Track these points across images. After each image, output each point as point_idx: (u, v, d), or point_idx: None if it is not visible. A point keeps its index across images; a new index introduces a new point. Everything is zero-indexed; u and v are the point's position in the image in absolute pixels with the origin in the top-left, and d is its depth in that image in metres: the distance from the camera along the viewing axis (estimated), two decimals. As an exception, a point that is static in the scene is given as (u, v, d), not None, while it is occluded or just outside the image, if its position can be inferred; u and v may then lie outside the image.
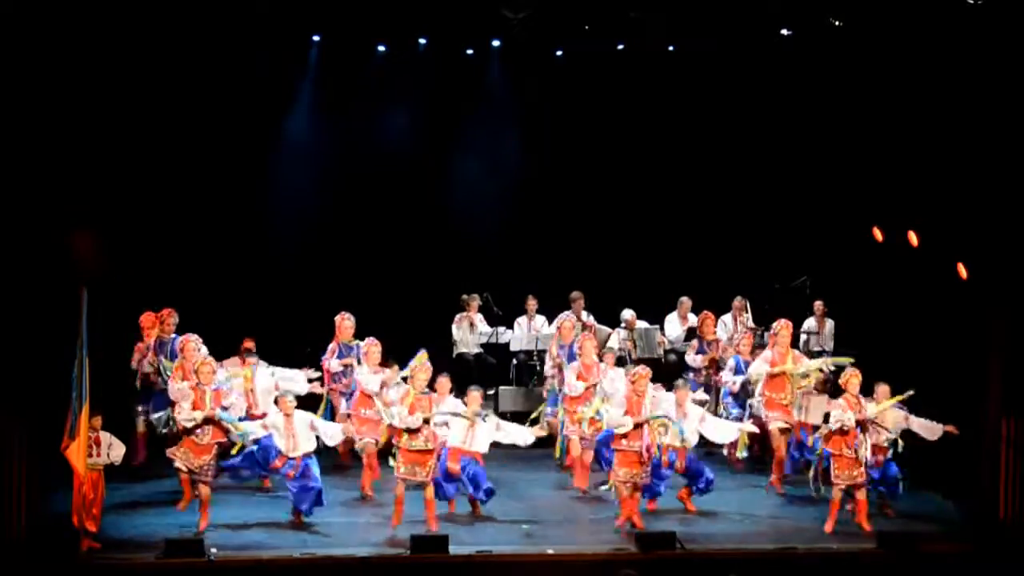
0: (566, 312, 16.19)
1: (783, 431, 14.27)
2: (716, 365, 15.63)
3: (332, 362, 14.67)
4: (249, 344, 14.77)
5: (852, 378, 13.24)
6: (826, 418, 13.28)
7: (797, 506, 13.91)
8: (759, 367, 14.47)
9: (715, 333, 15.98)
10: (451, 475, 13.12)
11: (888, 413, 13.39)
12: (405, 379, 13.47)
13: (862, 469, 13.02)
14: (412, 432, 12.77)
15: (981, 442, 13.48)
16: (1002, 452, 13.20)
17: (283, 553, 12.30)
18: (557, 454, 14.99)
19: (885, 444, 13.25)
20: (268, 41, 17.04)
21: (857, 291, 16.74)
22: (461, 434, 13.18)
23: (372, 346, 14.12)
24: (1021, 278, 13.41)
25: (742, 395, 14.89)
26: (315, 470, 13.08)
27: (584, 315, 16.65)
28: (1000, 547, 12.75)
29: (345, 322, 14.64)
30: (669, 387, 13.76)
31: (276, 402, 13.28)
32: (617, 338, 16.62)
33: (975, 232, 14.00)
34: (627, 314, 16.78)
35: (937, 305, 15.04)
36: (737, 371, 14.90)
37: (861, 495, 13.06)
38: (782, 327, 14.55)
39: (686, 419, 13.38)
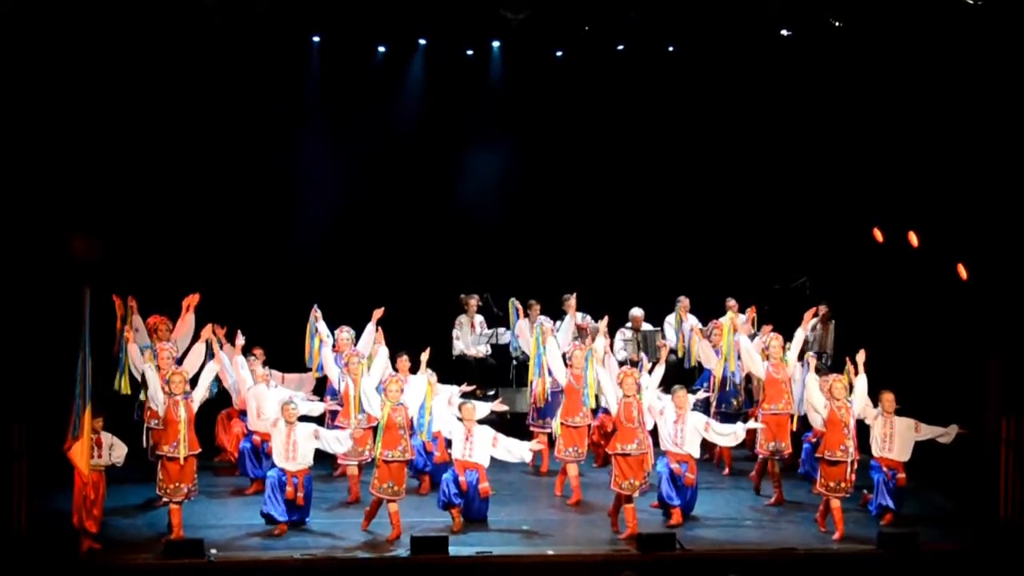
0: (563, 320, 16.03)
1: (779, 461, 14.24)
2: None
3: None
4: (257, 353, 14.65)
5: (836, 383, 13.18)
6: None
7: (797, 506, 13.90)
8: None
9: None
10: (460, 488, 13.09)
11: (898, 426, 13.40)
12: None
13: (850, 476, 13.01)
14: (390, 442, 12.74)
15: (981, 442, 13.48)
16: (1002, 452, 13.19)
17: (283, 553, 12.31)
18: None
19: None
20: (268, 41, 17.04)
21: (857, 291, 16.72)
22: (460, 445, 13.18)
23: (352, 356, 13.90)
24: (1021, 278, 13.41)
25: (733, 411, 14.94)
26: (310, 489, 13.10)
27: (579, 317, 16.62)
28: (1000, 547, 12.75)
29: (343, 335, 14.46)
30: (667, 390, 13.73)
31: (281, 409, 13.20)
32: (621, 338, 16.60)
33: (975, 232, 14.00)
34: (635, 312, 16.74)
35: (937, 306, 15.04)
36: (723, 376, 14.88)
37: (836, 502, 13.05)
38: (772, 339, 14.36)
39: (686, 426, 13.31)
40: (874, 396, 13.53)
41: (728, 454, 15.22)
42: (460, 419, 13.34)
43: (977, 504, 13.51)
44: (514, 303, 15.60)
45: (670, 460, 13.26)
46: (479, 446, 13.12)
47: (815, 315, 15.22)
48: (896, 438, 13.41)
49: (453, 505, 13.07)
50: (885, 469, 13.38)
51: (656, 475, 13.29)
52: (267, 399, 13.83)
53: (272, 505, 12.88)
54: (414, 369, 13.91)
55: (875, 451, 13.43)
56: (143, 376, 13.33)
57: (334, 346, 14.53)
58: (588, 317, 16.69)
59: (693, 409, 13.55)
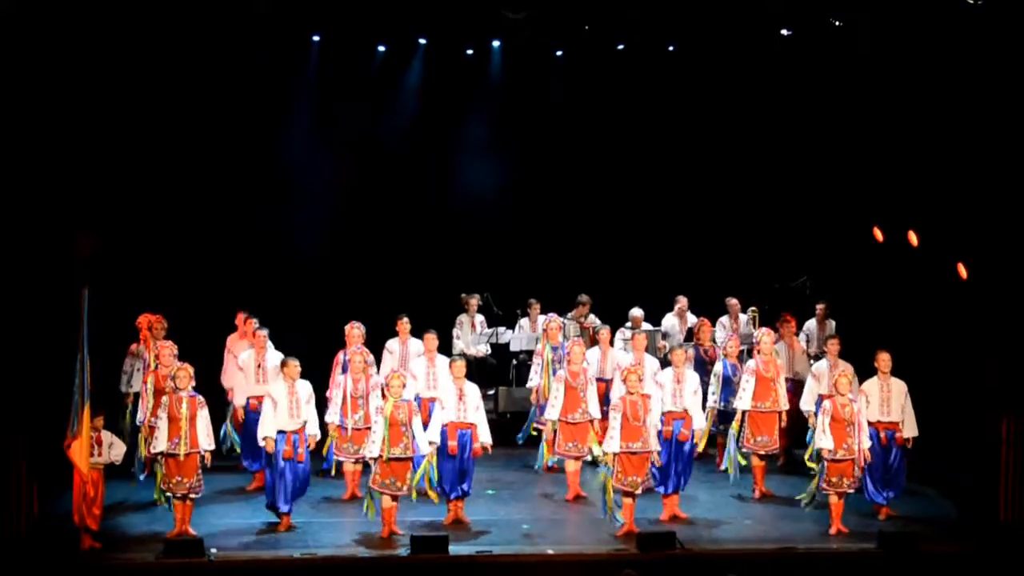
0: (552, 314, 15.93)
1: (764, 457, 14.34)
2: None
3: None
4: (244, 318, 14.81)
5: (841, 377, 13.24)
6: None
7: (797, 506, 13.88)
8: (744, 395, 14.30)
9: (711, 340, 15.90)
10: (451, 454, 13.11)
11: (894, 387, 13.46)
12: None
13: (853, 473, 13.07)
14: (392, 440, 12.66)
15: (981, 442, 13.48)
16: (1002, 452, 13.19)
17: (283, 553, 12.31)
18: (544, 463, 14.90)
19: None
20: (268, 41, 17.04)
21: (857, 291, 16.73)
22: (453, 407, 13.21)
23: (355, 354, 13.92)
24: (1021, 278, 13.41)
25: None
26: (305, 450, 13.11)
27: (588, 318, 16.64)
28: (1000, 547, 12.74)
29: (354, 331, 14.40)
30: (665, 362, 13.90)
31: (283, 366, 13.23)
32: (621, 337, 16.61)
33: (975, 232, 14.00)
34: (635, 313, 16.77)
35: (937, 305, 15.04)
36: (724, 375, 14.86)
37: (835, 498, 13.14)
38: (764, 334, 14.48)
39: (685, 384, 13.55)
40: (866, 363, 13.69)
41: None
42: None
43: (977, 505, 13.50)
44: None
45: (665, 422, 13.38)
46: (471, 404, 13.24)
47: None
48: (894, 400, 13.49)
49: (450, 497, 13.16)
50: (882, 433, 13.42)
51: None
52: (267, 361, 14.07)
53: (279, 494, 12.91)
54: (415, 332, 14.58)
55: (872, 416, 13.44)
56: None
57: (343, 341, 14.52)
58: (594, 317, 16.73)
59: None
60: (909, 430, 13.51)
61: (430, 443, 12.98)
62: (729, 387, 14.81)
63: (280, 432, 12.97)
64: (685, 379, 13.64)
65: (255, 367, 14.18)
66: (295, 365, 13.16)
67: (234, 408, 14.41)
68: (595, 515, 13.46)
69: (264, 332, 14.32)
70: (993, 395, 13.40)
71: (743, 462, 14.26)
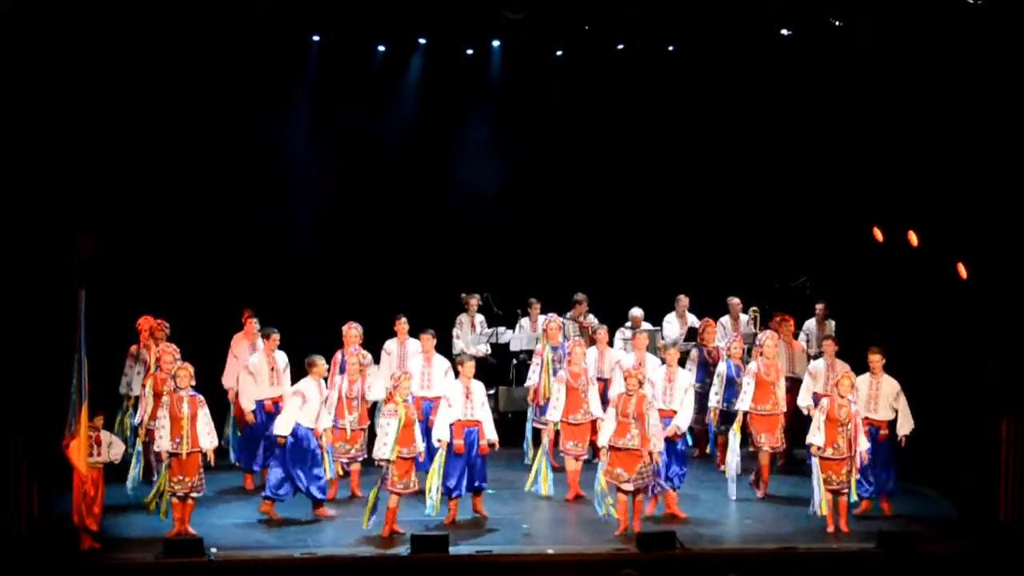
0: (552, 314, 15.92)
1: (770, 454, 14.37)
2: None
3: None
4: (251, 316, 14.91)
5: (843, 378, 13.22)
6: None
7: (797, 506, 13.89)
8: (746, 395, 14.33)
9: (715, 341, 15.89)
10: (457, 453, 13.13)
11: (884, 386, 13.54)
12: None
13: (849, 470, 13.06)
14: (404, 440, 12.67)
15: (981, 442, 13.47)
16: (1002, 452, 13.19)
17: (283, 553, 12.30)
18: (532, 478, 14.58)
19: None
20: (268, 41, 17.05)
21: (857, 291, 16.73)
22: (460, 405, 13.26)
23: (352, 355, 14.03)
24: (1021, 278, 13.41)
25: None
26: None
27: (587, 318, 16.64)
28: (1000, 547, 12.74)
29: (351, 331, 14.46)
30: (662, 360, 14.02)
31: (310, 365, 13.37)
32: (621, 337, 16.63)
33: (975, 232, 14.00)
34: (635, 312, 16.78)
35: (937, 305, 15.04)
36: (728, 375, 14.84)
37: (843, 498, 13.14)
38: (767, 338, 14.50)
39: (676, 383, 13.63)
40: (865, 363, 13.75)
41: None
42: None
43: (977, 505, 13.50)
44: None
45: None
46: (478, 401, 13.33)
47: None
48: (882, 399, 13.59)
49: (452, 496, 13.17)
50: (866, 428, 13.41)
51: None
52: (279, 361, 14.22)
53: (317, 483, 13.16)
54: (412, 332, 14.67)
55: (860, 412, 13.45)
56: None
57: (341, 341, 14.52)
58: (592, 316, 16.72)
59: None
60: (905, 426, 13.55)
61: (439, 440, 13.06)
62: (732, 388, 14.79)
63: (307, 427, 13.21)
64: (676, 377, 13.71)
65: (268, 370, 14.17)
66: (323, 363, 13.42)
67: (235, 408, 14.44)
68: (595, 515, 13.45)
69: (276, 335, 14.31)
70: (993, 395, 13.40)
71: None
